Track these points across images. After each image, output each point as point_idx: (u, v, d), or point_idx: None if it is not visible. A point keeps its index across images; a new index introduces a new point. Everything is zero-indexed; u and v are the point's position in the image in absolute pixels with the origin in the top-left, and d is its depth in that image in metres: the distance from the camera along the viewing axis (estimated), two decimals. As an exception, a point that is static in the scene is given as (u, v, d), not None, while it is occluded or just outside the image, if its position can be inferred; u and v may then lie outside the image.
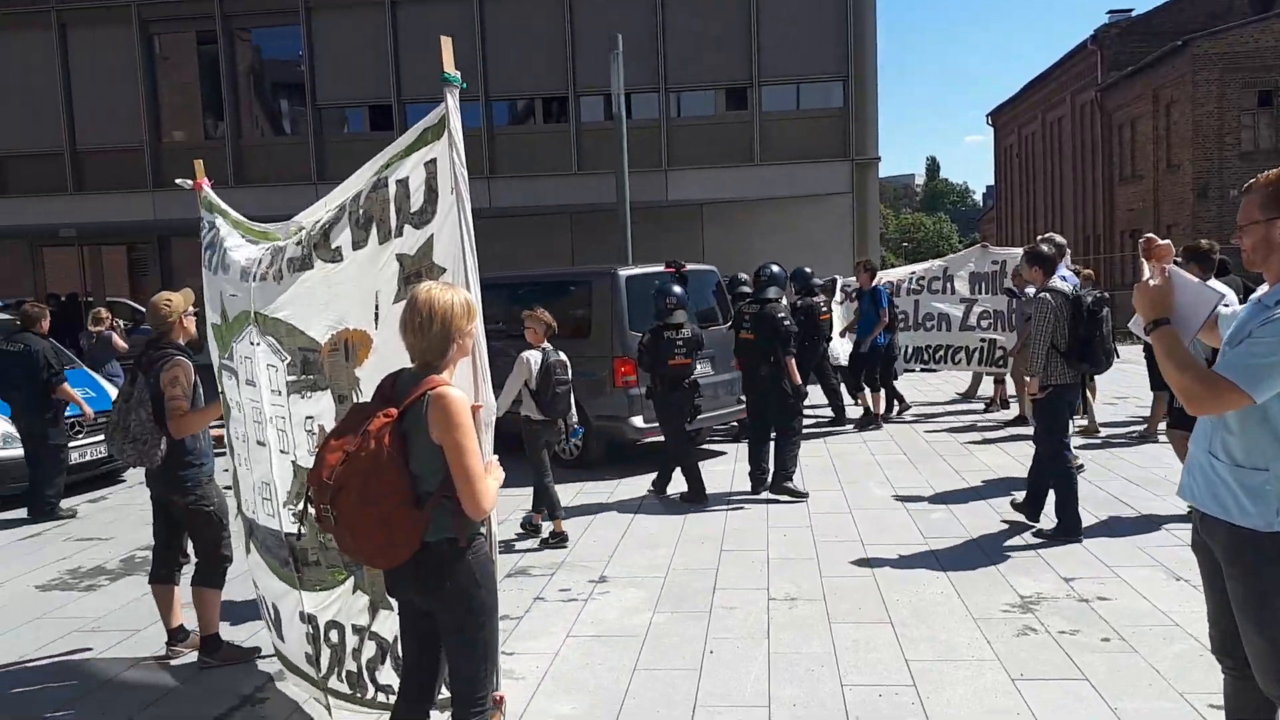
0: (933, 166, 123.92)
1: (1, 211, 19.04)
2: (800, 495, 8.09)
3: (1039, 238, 6.98)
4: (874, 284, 11.46)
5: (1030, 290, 8.09)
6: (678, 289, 8.38)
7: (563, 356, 7.11)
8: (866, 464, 9.44)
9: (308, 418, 3.72)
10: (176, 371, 4.81)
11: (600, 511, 8.02)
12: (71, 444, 9.29)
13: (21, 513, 8.74)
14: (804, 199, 17.39)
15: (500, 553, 6.50)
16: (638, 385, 9.19)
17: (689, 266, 9.82)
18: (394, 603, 3.31)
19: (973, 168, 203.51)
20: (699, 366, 8.68)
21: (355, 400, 3.50)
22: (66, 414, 8.95)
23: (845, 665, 4.69)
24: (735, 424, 10.74)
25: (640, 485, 8.88)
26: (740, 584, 5.97)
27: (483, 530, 3.10)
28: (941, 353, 12.15)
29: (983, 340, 11.61)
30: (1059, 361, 6.49)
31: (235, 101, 18.61)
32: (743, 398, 9.24)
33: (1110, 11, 35.63)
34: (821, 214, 17.43)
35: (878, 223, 18.63)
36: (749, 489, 8.44)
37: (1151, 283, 2.90)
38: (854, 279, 12.45)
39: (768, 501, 8.10)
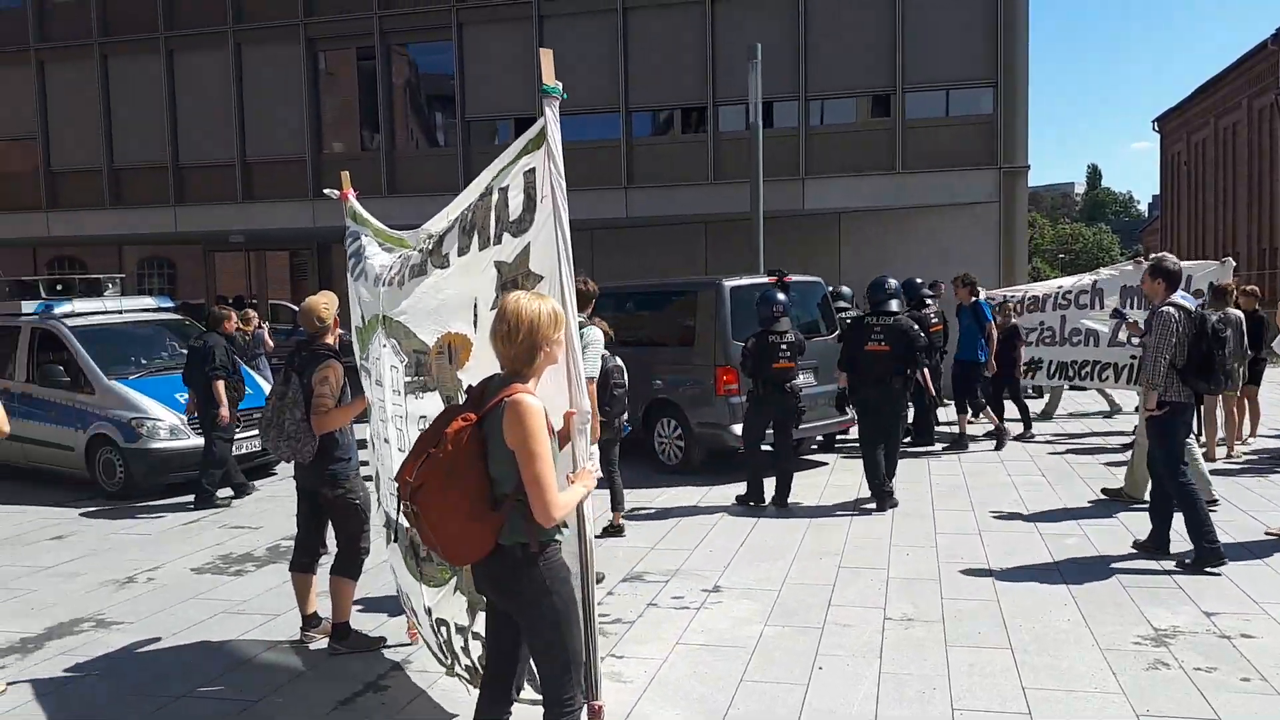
0: (1094, 175, 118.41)
1: (181, 218, 20.49)
2: (894, 502, 8.28)
3: (1154, 255, 6.80)
4: (974, 299, 11.22)
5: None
6: (781, 295, 8.58)
7: (619, 362, 7.27)
8: (1002, 484, 9.12)
9: (421, 417, 3.90)
10: (328, 372, 5.05)
11: (719, 521, 8.03)
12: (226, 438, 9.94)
13: (187, 498, 9.40)
14: (948, 208, 16.89)
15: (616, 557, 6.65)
16: (739, 394, 9.26)
17: (794, 278, 9.88)
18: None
19: (1137, 176, 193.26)
20: (802, 376, 8.86)
21: (460, 399, 3.64)
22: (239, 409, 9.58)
23: (958, 689, 4.57)
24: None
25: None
26: (857, 601, 5.88)
27: (559, 537, 3.15)
28: (1088, 369, 11.60)
29: (1133, 357, 11.02)
30: (1176, 379, 6.34)
31: (390, 115, 19.48)
32: (848, 409, 9.21)
33: (1294, 8, 33.24)
34: (966, 224, 16.89)
35: (1025, 233, 17.92)
36: (869, 502, 8.30)
37: None
38: (1001, 291, 12.12)
39: (892, 518, 7.93)
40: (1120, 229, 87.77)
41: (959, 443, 11.01)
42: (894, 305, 8.53)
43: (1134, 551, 6.70)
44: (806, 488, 9.13)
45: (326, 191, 5.85)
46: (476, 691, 4.03)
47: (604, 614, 5.77)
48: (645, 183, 17.88)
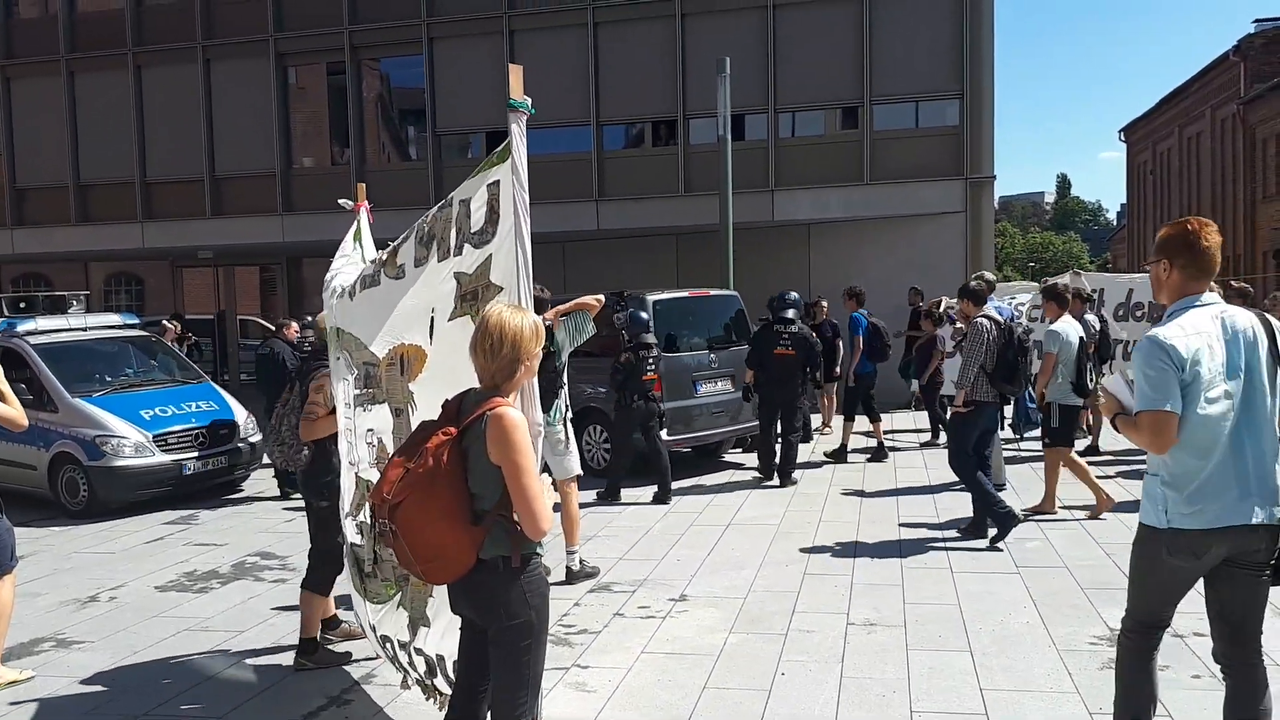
0: (1064, 184, 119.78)
1: (149, 234, 20.34)
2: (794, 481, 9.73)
3: (971, 275, 7.67)
4: (855, 310, 11.46)
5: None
6: (644, 314, 9.62)
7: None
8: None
9: (369, 430, 3.90)
10: (323, 381, 5.04)
11: (687, 531, 8.06)
12: (192, 455, 9.94)
13: (151, 515, 9.33)
14: (916, 218, 17.06)
15: (588, 570, 6.67)
16: (662, 401, 9.76)
17: (711, 291, 11.29)
18: (432, 620, 3.39)
19: (1106, 185, 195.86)
20: (718, 383, 10.49)
21: (411, 413, 3.63)
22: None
23: (917, 691, 4.62)
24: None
25: (726, 505, 8.90)
26: (820, 607, 5.92)
27: (540, 552, 3.14)
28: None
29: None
30: (985, 382, 7.22)
31: (360, 129, 19.45)
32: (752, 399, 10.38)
33: (1256, 20, 33.87)
34: (934, 233, 17.06)
35: (992, 242, 18.12)
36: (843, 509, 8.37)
37: (1103, 403, 3.58)
38: (956, 301, 12.19)
39: (858, 527, 7.99)
40: (1090, 237, 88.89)
41: (875, 451, 11.05)
42: (791, 314, 9.84)
43: (1100, 556, 6.80)
44: (775, 498, 9.20)
45: (341, 202, 5.84)
46: (434, 702, 4.05)
47: (570, 625, 5.79)
48: (616, 195, 17.94)
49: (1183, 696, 4.44)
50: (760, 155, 17.28)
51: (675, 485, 9.60)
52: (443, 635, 3.56)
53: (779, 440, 9.92)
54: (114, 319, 11.73)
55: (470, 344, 3.08)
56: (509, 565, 3.04)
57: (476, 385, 3.14)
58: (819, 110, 17.81)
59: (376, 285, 3.77)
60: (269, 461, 5.40)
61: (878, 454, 10.97)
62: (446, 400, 3.11)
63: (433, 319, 3.55)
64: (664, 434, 9.53)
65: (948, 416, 8.72)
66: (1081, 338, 7.96)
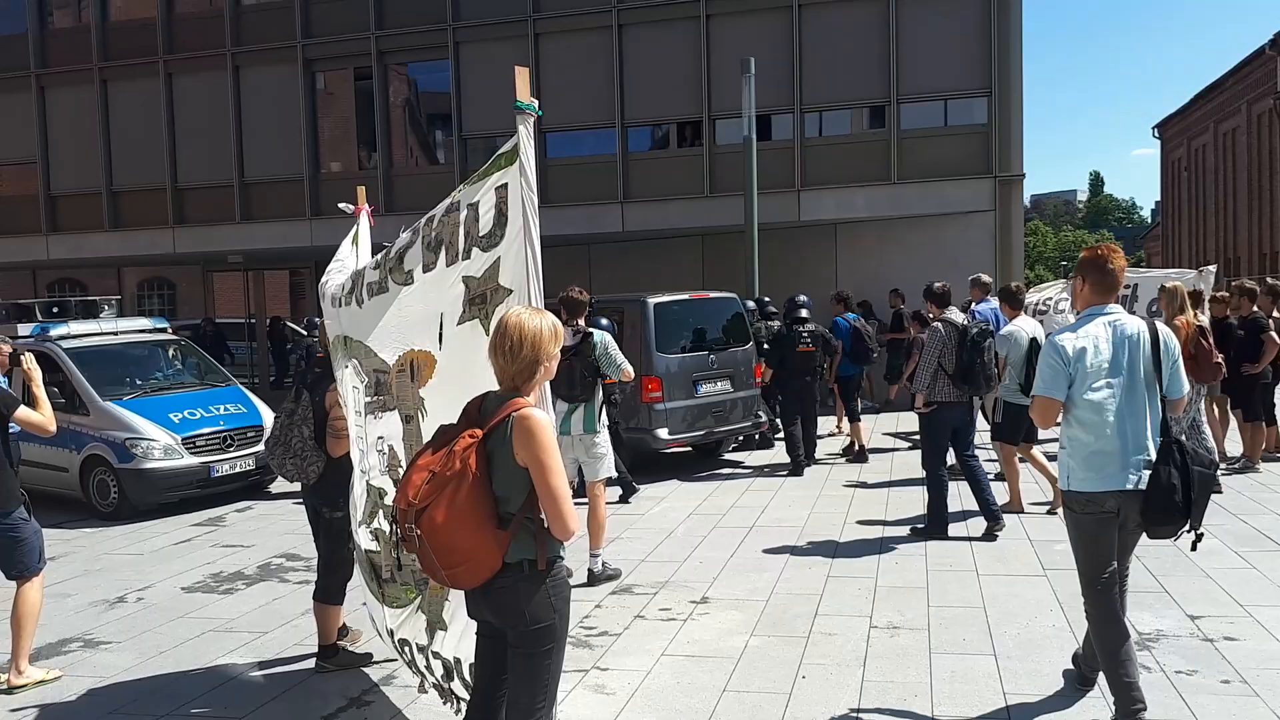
0: (1096, 182, 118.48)
1: (181, 239, 20.60)
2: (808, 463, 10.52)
3: (937, 282, 7.92)
4: (840, 315, 11.81)
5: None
6: (802, 298, 10.88)
7: None
8: (996, 490, 9.07)
9: (379, 438, 3.88)
10: (335, 394, 4.92)
11: (710, 532, 8.02)
12: (220, 457, 10.04)
13: (180, 517, 9.43)
14: (943, 218, 16.92)
15: (610, 572, 6.65)
16: (662, 401, 10.37)
17: (711, 294, 11.52)
18: (449, 623, 3.37)
19: (1140, 183, 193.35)
20: (718, 384, 10.86)
21: (421, 420, 3.62)
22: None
23: (939, 696, 4.56)
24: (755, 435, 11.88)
25: (751, 506, 8.85)
26: (843, 610, 5.87)
27: (563, 554, 3.11)
28: None
29: None
30: (946, 382, 7.41)
31: (388, 133, 19.58)
32: (759, 413, 11.30)
33: (1291, 13, 33.26)
34: (963, 233, 16.91)
35: (1021, 241, 17.91)
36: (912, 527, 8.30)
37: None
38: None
39: (884, 529, 7.92)
40: (1123, 235, 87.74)
41: (856, 453, 11.14)
42: (805, 314, 10.68)
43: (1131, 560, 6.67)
44: (799, 500, 9.15)
45: (341, 206, 5.88)
46: (451, 706, 4.04)
47: (590, 627, 5.78)
48: (642, 197, 17.93)
49: (1209, 703, 4.35)
50: (786, 155, 17.21)
51: (700, 485, 9.59)
52: (460, 638, 3.55)
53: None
54: (145, 323, 11.88)
55: (489, 346, 3.07)
56: (534, 568, 3.01)
57: (488, 388, 3.13)
58: (845, 109, 17.72)
59: (385, 292, 3.77)
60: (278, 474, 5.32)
61: (858, 455, 11.07)
62: (468, 403, 3.10)
63: (441, 324, 3.53)
64: (663, 433, 10.22)
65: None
66: (1034, 339, 7.97)
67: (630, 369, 6.99)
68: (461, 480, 2.88)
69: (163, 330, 11.85)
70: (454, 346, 3.42)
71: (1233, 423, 10.08)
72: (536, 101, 3.38)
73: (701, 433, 10.78)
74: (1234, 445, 10.00)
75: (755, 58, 14.57)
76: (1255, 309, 9.66)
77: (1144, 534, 4.18)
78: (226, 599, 6.83)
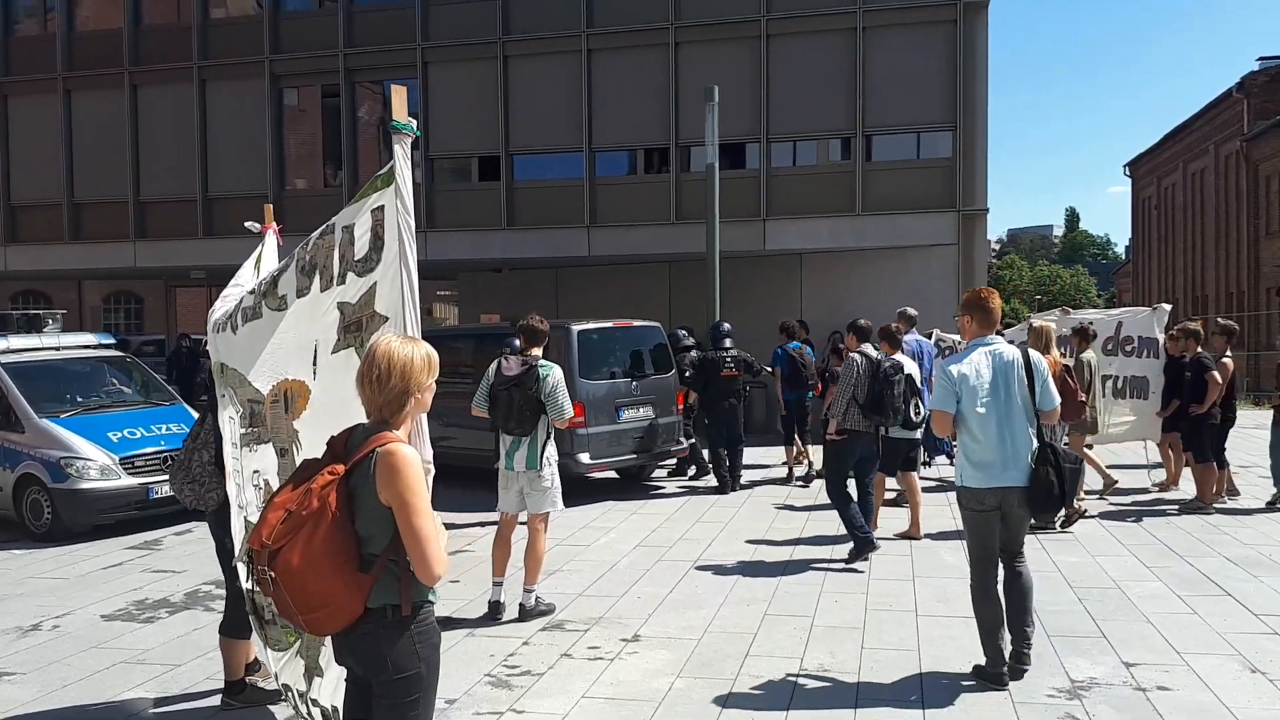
0: (1072, 217, 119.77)
1: (142, 253, 20.30)
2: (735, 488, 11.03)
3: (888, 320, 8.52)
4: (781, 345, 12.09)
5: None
6: (725, 325, 11.55)
7: None
8: (945, 530, 8.98)
9: (254, 471, 3.70)
10: None
11: (654, 566, 7.86)
12: (160, 479, 9.75)
13: (115, 540, 9.16)
14: (907, 250, 16.94)
15: (542, 607, 6.46)
16: (585, 427, 10.51)
17: (635, 323, 11.82)
18: (324, 669, 3.20)
19: (1115, 219, 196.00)
20: (641, 409, 11.11)
21: (295, 453, 3.44)
22: None
23: (861, 747, 4.41)
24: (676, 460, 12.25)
25: (699, 539, 8.69)
26: (775, 651, 5.72)
27: (431, 599, 2.95)
28: None
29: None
30: (857, 411, 7.76)
31: (354, 151, 19.43)
32: (680, 439, 11.65)
33: (1260, 58, 33.78)
34: (926, 265, 16.93)
35: (985, 275, 17.96)
36: (811, 543, 8.16)
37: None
38: (953, 335, 12.08)
39: (826, 566, 7.78)
40: (1098, 271, 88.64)
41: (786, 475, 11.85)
42: (728, 342, 11.33)
43: (1071, 601, 6.59)
44: (747, 533, 9.00)
45: (248, 225, 5.72)
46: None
47: (514, 665, 5.60)
48: (608, 222, 17.85)
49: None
50: (752, 184, 17.20)
51: (649, 518, 9.45)
52: (336, 685, 3.37)
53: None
54: (89, 339, 11.62)
55: (357, 375, 2.91)
56: (398, 614, 2.85)
57: (364, 421, 2.98)
58: (811, 140, 17.74)
59: (259, 318, 3.60)
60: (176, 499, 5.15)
61: (786, 478, 11.71)
62: (333, 436, 2.93)
63: (316, 352, 3.36)
64: (584, 457, 10.50)
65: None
66: (909, 375, 8.19)
67: (569, 414, 6.62)
68: (320, 520, 2.71)
69: (108, 346, 11.59)
70: (328, 376, 3.25)
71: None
72: (415, 122, 3.25)
73: (623, 458, 11.03)
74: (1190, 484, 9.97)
75: (723, 86, 14.57)
76: (1199, 350, 9.68)
77: (1032, 518, 5.22)
78: (145, 628, 6.59)
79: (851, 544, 7.78)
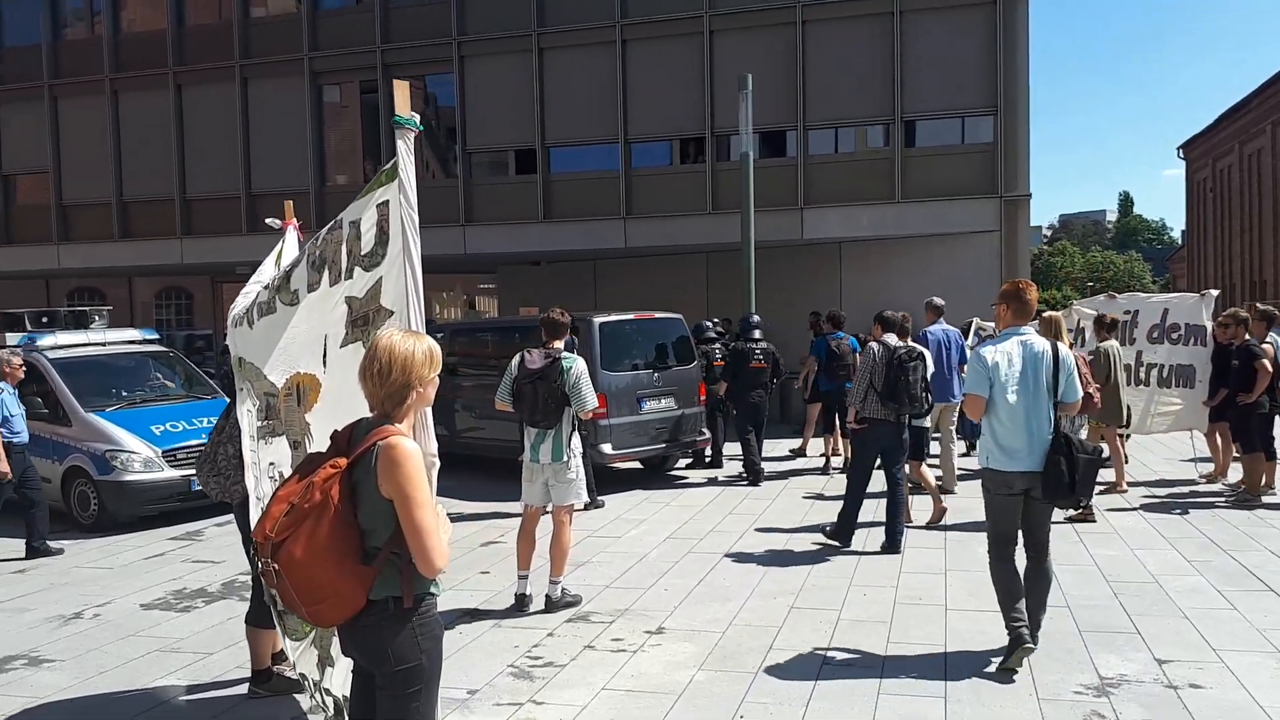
0: (1126, 202, 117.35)
1: (189, 251, 20.69)
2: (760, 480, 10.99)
3: (886, 311, 8.31)
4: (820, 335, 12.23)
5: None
6: (755, 317, 11.56)
7: None
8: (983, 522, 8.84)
9: (270, 463, 3.76)
10: None
11: (683, 558, 7.84)
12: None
13: (158, 531, 9.36)
14: (949, 237, 16.70)
15: (569, 599, 6.49)
16: (607, 417, 10.53)
17: (657, 315, 11.75)
18: (336, 659, 3.24)
19: (1171, 203, 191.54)
20: (662, 400, 11.20)
21: (308, 445, 3.48)
22: None
23: (880, 742, 4.37)
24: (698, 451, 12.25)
25: (729, 531, 8.67)
26: (798, 645, 5.68)
27: (434, 590, 2.97)
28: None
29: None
30: (876, 400, 7.80)
31: (392, 146, 19.52)
32: (704, 431, 11.73)
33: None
34: (968, 253, 16.67)
35: (1028, 262, 17.63)
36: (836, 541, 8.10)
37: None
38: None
39: (858, 559, 7.71)
40: (1152, 256, 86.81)
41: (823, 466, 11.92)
42: (758, 334, 11.45)
43: (1105, 595, 6.46)
44: (778, 524, 8.95)
45: (269, 221, 5.80)
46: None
47: (537, 657, 5.63)
48: (645, 213, 17.82)
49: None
50: (789, 173, 17.06)
51: (682, 510, 9.44)
52: (347, 676, 3.41)
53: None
54: (134, 334, 11.87)
55: (359, 369, 2.94)
56: (400, 606, 2.88)
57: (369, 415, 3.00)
58: (850, 127, 17.55)
59: (273, 312, 3.65)
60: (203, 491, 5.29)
61: (824, 469, 11.79)
62: (336, 431, 2.96)
63: (325, 346, 3.40)
64: (607, 448, 10.59)
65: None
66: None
67: (593, 406, 6.65)
68: (322, 513, 2.75)
69: (152, 341, 11.82)
70: (337, 370, 3.29)
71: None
72: (418, 116, 3.26)
73: (645, 448, 11.12)
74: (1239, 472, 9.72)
75: (759, 74, 14.46)
76: (1248, 336, 9.41)
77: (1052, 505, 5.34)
78: (182, 617, 6.72)
79: (885, 538, 7.92)
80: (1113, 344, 9.89)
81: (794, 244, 17.17)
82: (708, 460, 12.31)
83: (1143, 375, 10.59)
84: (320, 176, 19.83)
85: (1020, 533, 5.32)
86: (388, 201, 3.19)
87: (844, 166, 17.31)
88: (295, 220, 5.40)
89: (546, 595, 6.57)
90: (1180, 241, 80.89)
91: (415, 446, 2.89)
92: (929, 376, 8.26)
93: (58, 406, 10.10)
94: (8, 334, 10.99)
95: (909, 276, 16.73)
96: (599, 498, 9.98)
